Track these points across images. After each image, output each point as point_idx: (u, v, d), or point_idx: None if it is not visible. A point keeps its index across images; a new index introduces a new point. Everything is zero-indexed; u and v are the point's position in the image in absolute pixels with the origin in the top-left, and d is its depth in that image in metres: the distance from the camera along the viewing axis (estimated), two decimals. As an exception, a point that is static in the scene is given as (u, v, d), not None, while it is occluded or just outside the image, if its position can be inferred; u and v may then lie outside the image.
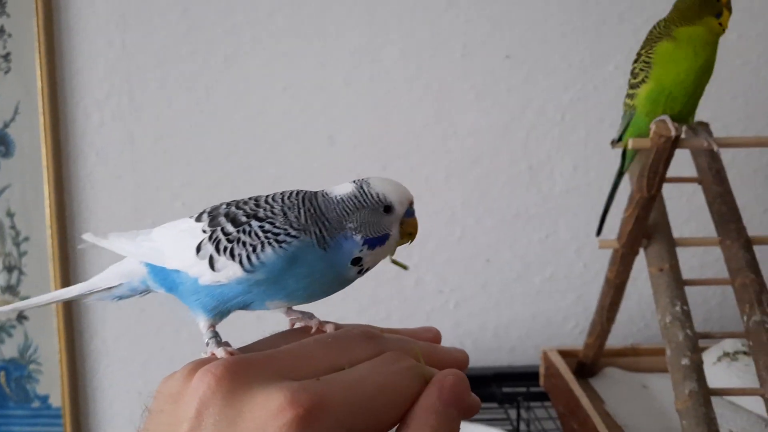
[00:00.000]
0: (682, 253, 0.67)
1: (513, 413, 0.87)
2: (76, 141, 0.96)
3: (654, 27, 0.65)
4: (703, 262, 0.98)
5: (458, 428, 0.30)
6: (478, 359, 0.99)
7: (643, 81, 0.64)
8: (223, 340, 0.35)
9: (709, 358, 0.78)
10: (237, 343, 0.35)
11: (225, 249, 0.34)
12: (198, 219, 0.37)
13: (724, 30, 0.62)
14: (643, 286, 0.95)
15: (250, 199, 0.37)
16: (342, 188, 0.36)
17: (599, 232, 0.77)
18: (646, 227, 0.67)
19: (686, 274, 0.66)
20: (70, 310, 0.97)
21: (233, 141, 0.96)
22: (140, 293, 0.39)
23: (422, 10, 0.95)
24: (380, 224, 0.35)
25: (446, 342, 0.36)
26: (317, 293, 0.36)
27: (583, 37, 0.95)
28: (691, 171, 0.73)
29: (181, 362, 0.31)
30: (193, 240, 0.36)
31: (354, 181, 0.36)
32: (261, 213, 0.35)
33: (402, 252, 0.38)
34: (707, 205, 0.69)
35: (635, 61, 0.66)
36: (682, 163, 0.72)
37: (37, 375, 0.98)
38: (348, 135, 0.96)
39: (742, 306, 0.62)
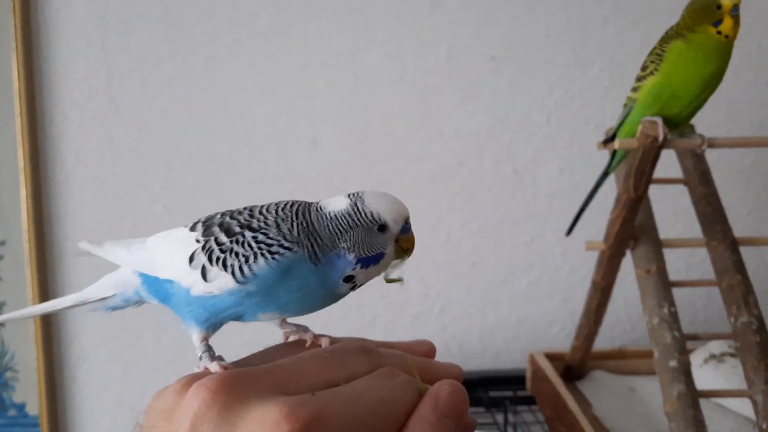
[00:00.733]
0: (668, 255, 0.67)
1: (500, 417, 0.86)
2: (54, 143, 0.94)
3: (671, 27, 0.64)
4: (689, 263, 0.98)
5: None
6: (464, 363, 0.98)
7: (651, 73, 0.63)
8: (217, 354, 0.34)
9: (695, 360, 0.78)
10: (231, 357, 0.34)
11: (218, 259, 0.34)
12: (192, 228, 0.36)
13: (727, 38, 0.60)
14: (630, 288, 0.95)
15: (244, 209, 0.36)
16: (336, 203, 0.35)
17: (570, 231, 0.77)
18: (633, 229, 0.67)
19: (672, 276, 0.66)
20: (48, 316, 0.95)
21: (215, 143, 0.95)
22: (134, 304, 0.39)
23: (406, 12, 0.94)
24: (374, 243, 0.35)
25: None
26: (309, 306, 0.35)
27: (568, 40, 0.95)
28: (676, 172, 0.73)
29: (162, 369, 0.30)
30: (187, 249, 0.35)
31: (349, 196, 0.35)
32: (254, 224, 0.35)
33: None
34: (693, 206, 0.69)
35: (648, 55, 0.65)
36: (668, 164, 0.72)
37: (13, 383, 0.96)
38: (332, 137, 0.95)
39: (729, 307, 0.62)
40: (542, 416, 0.83)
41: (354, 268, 0.35)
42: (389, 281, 0.38)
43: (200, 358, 0.34)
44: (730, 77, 0.62)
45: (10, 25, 0.90)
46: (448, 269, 0.98)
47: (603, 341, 0.86)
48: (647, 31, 0.93)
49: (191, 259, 0.35)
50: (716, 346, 0.82)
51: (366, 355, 0.32)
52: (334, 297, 0.36)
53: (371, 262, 0.35)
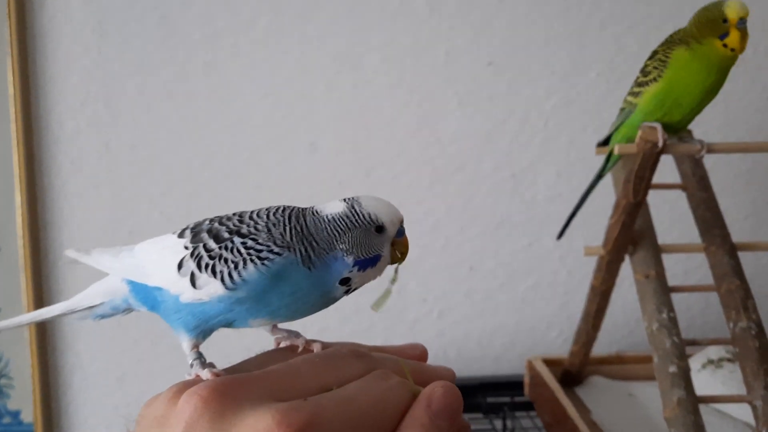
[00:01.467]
0: (666, 260, 0.67)
1: (498, 423, 0.86)
2: (50, 149, 0.93)
3: (675, 31, 0.64)
4: (686, 268, 0.98)
5: None
6: (463, 369, 0.98)
7: (654, 80, 0.63)
8: (208, 361, 0.34)
9: (693, 365, 0.78)
10: (222, 364, 0.33)
11: (206, 266, 0.34)
12: (181, 235, 0.36)
13: (733, 51, 0.60)
14: (628, 293, 0.95)
15: (234, 214, 0.36)
16: (332, 207, 0.35)
17: (561, 235, 0.77)
18: (632, 234, 0.67)
19: (670, 281, 0.65)
20: (43, 323, 0.94)
21: (213, 149, 0.95)
22: (122, 312, 0.39)
23: (405, 17, 0.94)
24: (372, 245, 0.35)
25: (430, 352, 0.36)
26: (302, 311, 0.35)
27: (565, 45, 0.95)
28: (674, 178, 0.73)
29: (159, 377, 0.30)
30: (175, 256, 0.35)
31: (345, 200, 0.35)
32: (244, 229, 0.34)
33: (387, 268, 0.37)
34: (692, 211, 0.69)
35: (649, 59, 0.64)
36: (666, 169, 0.72)
37: (8, 390, 0.95)
38: (330, 142, 0.95)
39: (728, 312, 0.62)
40: (540, 422, 0.83)
41: (351, 271, 0.34)
42: (383, 300, 0.38)
43: (191, 365, 0.34)
44: (726, 82, 0.62)
45: (5, 29, 0.90)
46: (447, 274, 0.98)
47: (601, 346, 0.86)
48: (644, 36, 0.94)
49: (180, 266, 0.34)
50: (714, 352, 0.81)
51: (358, 358, 0.32)
52: (327, 301, 0.35)
53: (368, 264, 0.35)
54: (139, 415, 0.30)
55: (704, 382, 0.76)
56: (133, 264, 0.37)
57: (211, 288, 0.34)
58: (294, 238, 0.34)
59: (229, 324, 0.35)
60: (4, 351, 0.95)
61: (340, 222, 0.34)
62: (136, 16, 0.92)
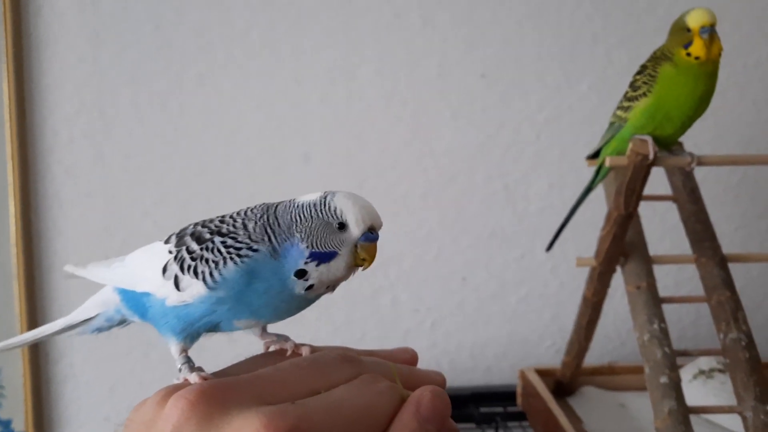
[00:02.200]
0: (657, 271, 0.68)
1: (491, 434, 0.86)
2: (43, 158, 0.93)
3: (661, 47, 0.64)
4: (677, 280, 0.99)
5: None
6: (455, 379, 0.98)
7: (644, 95, 0.63)
8: (196, 365, 0.34)
9: (684, 376, 0.78)
10: (212, 369, 0.34)
11: (189, 267, 0.34)
12: (167, 241, 0.36)
13: (698, 60, 0.60)
14: (619, 304, 0.96)
15: (216, 217, 0.36)
16: (308, 196, 0.35)
17: (550, 247, 0.78)
18: (624, 245, 0.68)
19: (661, 293, 0.66)
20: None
21: (206, 159, 0.95)
22: (117, 323, 0.39)
23: (398, 29, 0.95)
24: (329, 240, 0.34)
25: (423, 362, 0.36)
26: (281, 310, 0.35)
27: (557, 58, 0.96)
28: (665, 190, 0.73)
29: (151, 386, 0.30)
30: (160, 261, 0.35)
31: (324, 191, 0.35)
32: (224, 229, 0.35)
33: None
34: (682, 223, 0.70)
35: (638, 73, 0.65)
36: (657, 182, 0.73)
37: (-1, 400, 0.94)
38: (324, 153, 0.96)
39: (719, 323, 0.62)
40: (533, 432, 0.83)
41: (306, 262, 0.33)
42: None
43: (179, 369, 0.34)
44: (716, 96, 0.63)
45: (0, 38, 0.90)
46: (439, 284, 0.98)
47: (592, 357, 0.86)
48: (635, 50, 0.95)
49: (164, 269, 0.35)
50: (705, 362, 0.82)
51: (347, 363, 0.32)
52: (298, 299, 0.35)
53: (323, 259, 0.34)
54: (127, 420, 0.30)
55: (695, 393, 0.77)
56: (123, 273, 0.37)
57: (194, 289, 0.34)
58: (266, 230, 0.34)
59: (215, 326, 0.35)
60: (-5, 360, 0.94)
61: (306, 210, 0.34)
62: (131, 26, 0.93)
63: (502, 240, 0.98)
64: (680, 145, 0.67)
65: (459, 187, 0.97)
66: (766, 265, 1.00)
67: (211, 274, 0.33)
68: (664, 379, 0.58)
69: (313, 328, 0.95)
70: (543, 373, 0.85)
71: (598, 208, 0.75)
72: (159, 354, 0.95)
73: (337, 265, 0.34)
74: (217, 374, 0.33)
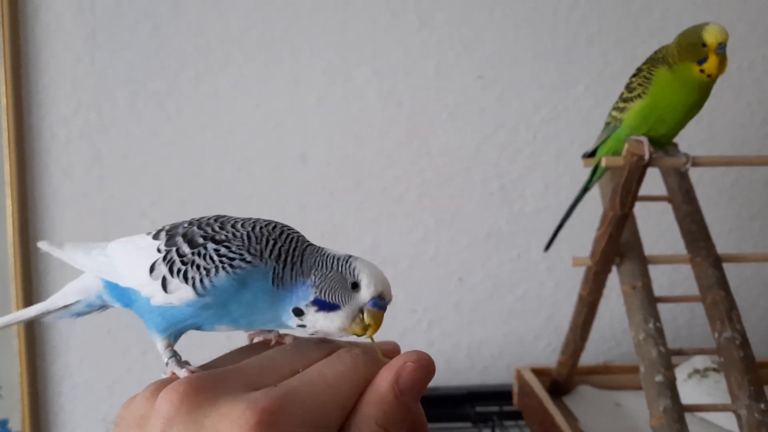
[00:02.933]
0: (652, 271, 0.68)
1: (487, 433, 0.86)
2: (41, 157, 0.93)
3: (659, 49, 0.64)
4: (672, 280, 1.00)
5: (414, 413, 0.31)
6: (451, 379, 0.98)
7: (639, 96, 0.64)
8: (183, 359, 0.34)
9: (679, 375, 0.79)
10: (198, 361, 0.34)
11: (179, 271, 0.34)
12: (155, 237, 0.36)
13: (710, 77, 0.60)
14: (614, 304, 0.97)
15: (216, 219, 0.36)
16: (336, 251, 0.35)
17: (548, 247, 0.78)
18: (619, 245, 0.68)
19: (657, 292, 0.66)
20: (32, 330, 0.94)
21: (204, 159, 0.95)
22: (98, 308, 0.39)
23: (395, 30, 0.95)
24: (338, 293, 0.34)
25: None
26: (258, 324, 0.35)
27: (554, 59, 0.97)
28: (660, 190, 0.74)
29: (147, 386, 0.30)
30: (148, 259, 0.35)
31: (350, 254, 0.35)
32: (220, 236, 0.34)
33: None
34: (677, 223, 0.70)
35: (634, 75, 0.65)
36: (653, 182, 0.73)
37: (-5, 399, 0.94)
38: (321, 153, 0.96)
39: (713, 323, 0.63)
40: (529, 431, 0.84)
41: (307, 305, 0.33)
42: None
43: (167, 364, 0.34)
44: (711, 97, 0.64)
45: (-2, 39, 0.90)
46: (436, 285, 0.98)
47: (588, 356, 0.87)
48: (631, 51, 0.95)
49: (152, 269, 0.35)
50: (700, 361, 0.83)
51: (327, 343, 0.33)
52: (278, 323, 0.35)
53: (325, 307, 0.33)
54: (117, 416, 0.30)
55: (690, 392, 0.77)
56: (105, 263, 0.37)
57: (182, 293, 0.34)
58: (274, 254, 0.34)
59: (197, 327, 0.36)
60: (-8, 360, 0.94)
61: (329, 260, 0.34)
62: (128, 26, 0.93)
63: (498, 240, 0.99)
64: (675, 146, 0.67)
65: (456, 187, 0.97)
66: (760, 265, 1.01)
67: (201, 281, 0.33)
68: (659, 378, 0.59)
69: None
70: (539, 373, 0.85)
71: (593, 208, 0.76)
72: (156, 353, 0.94)
73: (334, 318, 0.34)
74: (203, 367, 0.33)
